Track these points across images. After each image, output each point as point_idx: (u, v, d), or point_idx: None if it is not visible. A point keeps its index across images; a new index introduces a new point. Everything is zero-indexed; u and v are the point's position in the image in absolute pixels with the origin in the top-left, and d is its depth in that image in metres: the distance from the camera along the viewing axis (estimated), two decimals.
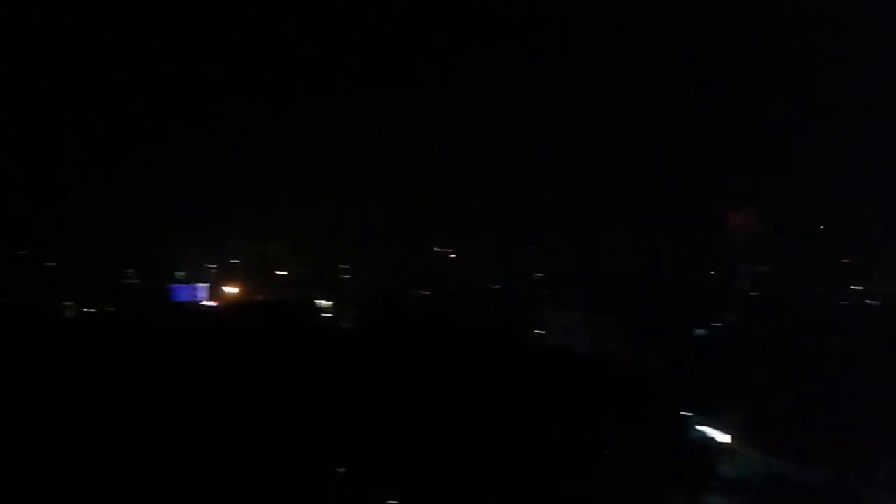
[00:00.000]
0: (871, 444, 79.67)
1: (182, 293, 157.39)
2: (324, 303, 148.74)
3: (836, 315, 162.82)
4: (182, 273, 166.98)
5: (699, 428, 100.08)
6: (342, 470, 64.98)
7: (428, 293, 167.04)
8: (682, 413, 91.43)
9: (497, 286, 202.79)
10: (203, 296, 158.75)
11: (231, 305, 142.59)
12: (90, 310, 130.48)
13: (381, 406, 63.78)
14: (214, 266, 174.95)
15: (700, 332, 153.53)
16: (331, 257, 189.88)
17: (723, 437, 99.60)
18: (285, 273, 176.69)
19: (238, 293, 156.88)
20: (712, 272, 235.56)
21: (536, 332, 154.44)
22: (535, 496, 60.87)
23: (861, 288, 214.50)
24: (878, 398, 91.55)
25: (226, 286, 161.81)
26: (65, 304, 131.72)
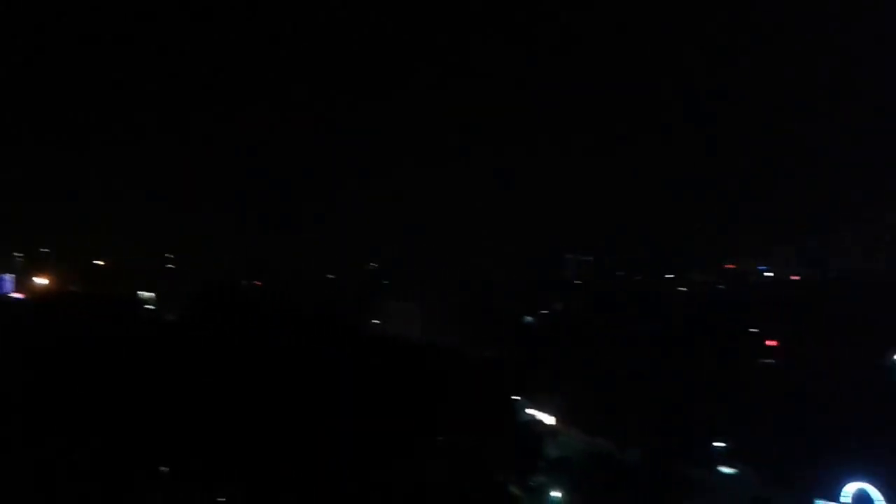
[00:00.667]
0: (684, 422, 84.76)
1: None
2: (147, 295, 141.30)
3: (653, 302, 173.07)
4: None
5: (527, 411, 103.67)
6: (166, 469, 62.02)
7: (260, 283, 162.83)
8: (511, 397, 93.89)
9: (332, 276, 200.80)
10: (8, 288, 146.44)
11: (41, 298, 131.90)
12: None
13: (206, 402, 61.32)
14: (22, 255, 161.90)
15: (528, 319, 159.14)
16: (156, 245, 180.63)
17: (548, 420, 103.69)
18: (103, 263, 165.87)
19: (49, 285, 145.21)
20: (541, 261, 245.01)
21: (372, 321, 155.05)
22: (368, 481, 60.53)
23: (673, 276, 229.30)
24: (689, 380, 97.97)
25: (35, 277, 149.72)
26: None
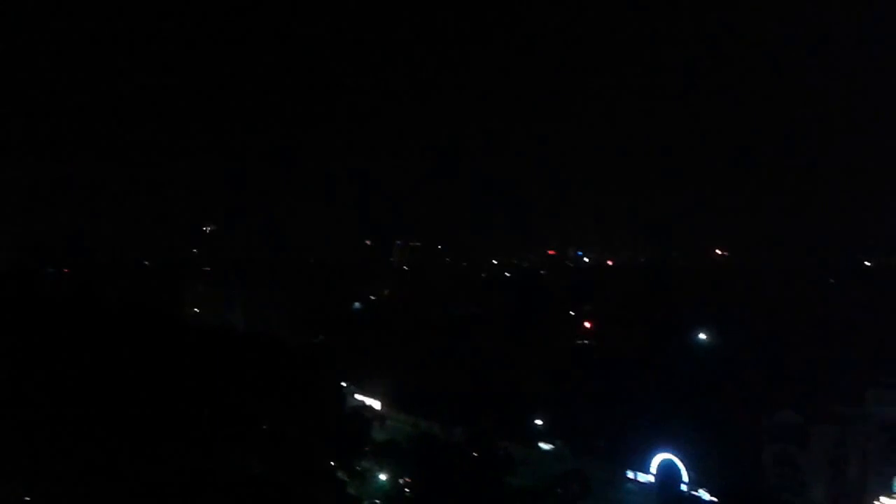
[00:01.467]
0: (506, 402, 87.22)
1: None
2: None
3: (478, 285, 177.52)
4: None
5: (355, 397, 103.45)
6: None
7: (68, 270, 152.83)
8: (338, 383, 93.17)
9: (147, 262, 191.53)
10: None
11: None
12: None
13: (5, 398, 56.44)
14: None
15: (356, 305, 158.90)
16: None
17: (376, 405, 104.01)
18: None
19: None
20: (369, 245, 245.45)
21: (193, 309, 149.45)
22: (190, 472, 57.98)
23: (496, 262, 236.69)
24: (511, 361, 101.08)
25: None
26: None
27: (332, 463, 69.34)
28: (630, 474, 74.74)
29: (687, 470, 70.82)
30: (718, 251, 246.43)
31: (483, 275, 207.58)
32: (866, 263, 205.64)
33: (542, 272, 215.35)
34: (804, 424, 66.70)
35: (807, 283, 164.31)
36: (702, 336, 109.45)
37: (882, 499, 63.32)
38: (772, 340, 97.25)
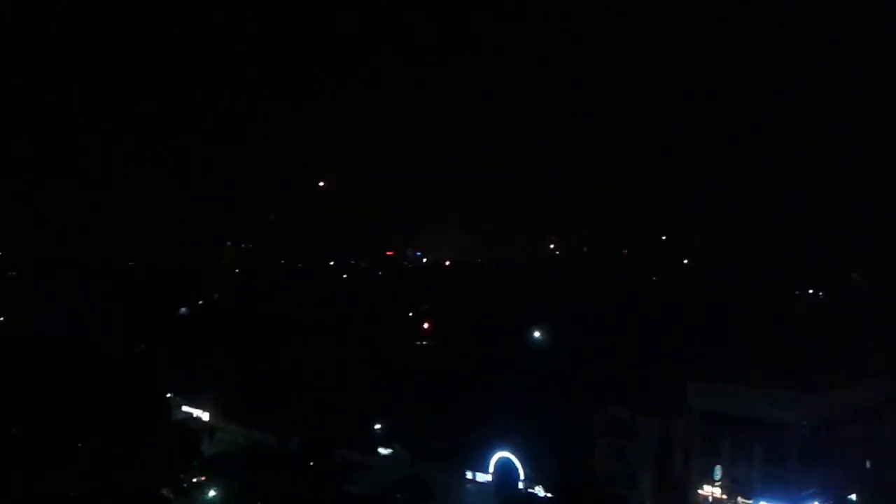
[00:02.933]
0: (344, 408, 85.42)
1: None
2: None
3: (313, 287, 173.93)
4: None
5: (182, 408, 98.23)
6: None
7: None
8: (162, 394, 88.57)
9: None
10: None
11: None
12: None
13: None
14: None
15: (182, 310, 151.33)
16: None
17: (203, 415, 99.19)
18: None
19: None
20: (198, 249, 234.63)
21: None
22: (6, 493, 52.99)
23: (333, 263, 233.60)
24: (349, 365, 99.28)
25: None
26: None
27: (157, 480, 65.57)
28: (469, 475, 75.07)
29: (523, 468, 71.88)
30: (552, 249, 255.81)
31: (319, 277, 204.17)
32: (685, 262, 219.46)
33: (379, 273, 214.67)
34: (632, 418, 69.25)
35: (632, 280, 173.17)
36: (536, 334, 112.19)
37: (705, 487, 66.78)
38: (601, 337, 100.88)
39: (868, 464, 69.15)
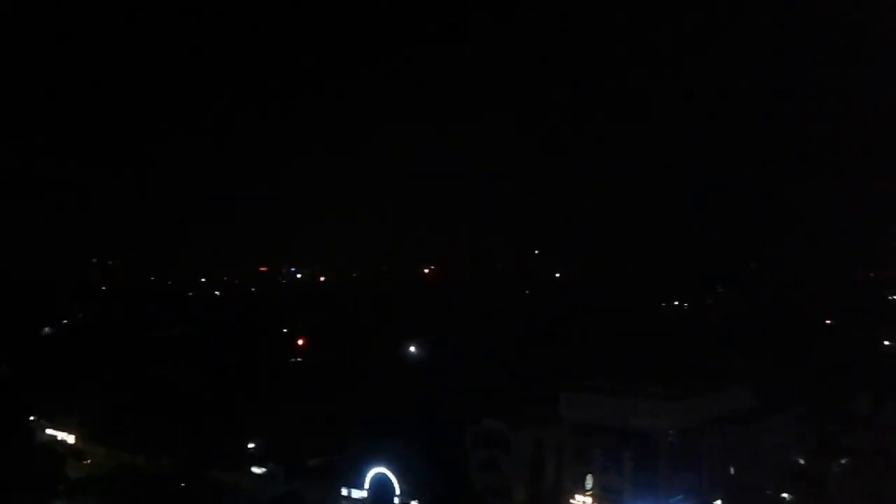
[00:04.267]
0: (216, 427, 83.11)
1: None
2: None
3: (184, 304, 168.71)
4: None
5: (46, 431, 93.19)
6: None
7: None
8: (25, 416, 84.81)
9: None
10: None
11: None
12: None
13: None
14: None
15: (46, 329, 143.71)
16: None
17: (69, 438, 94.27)
18: None
19: None
20: (63, 266, 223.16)
21: None
22: None
23: (204, 280, 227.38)
24: (221, 382, 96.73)
25: None
26: None
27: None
28: (344, 491, 74.15)
29: (399, 483, 71.58)
30: (427, 267, 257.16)
31: (190, 293, 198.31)
32: (556, 275, 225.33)
33: (253, 289, 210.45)
34: (506, 430, 70.12)
35: (506, 294, 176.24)
36: (412, 349, 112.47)
37: (577, 496, 68.24)
38: (476, 350, 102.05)
39: (732, 470, 72.50)
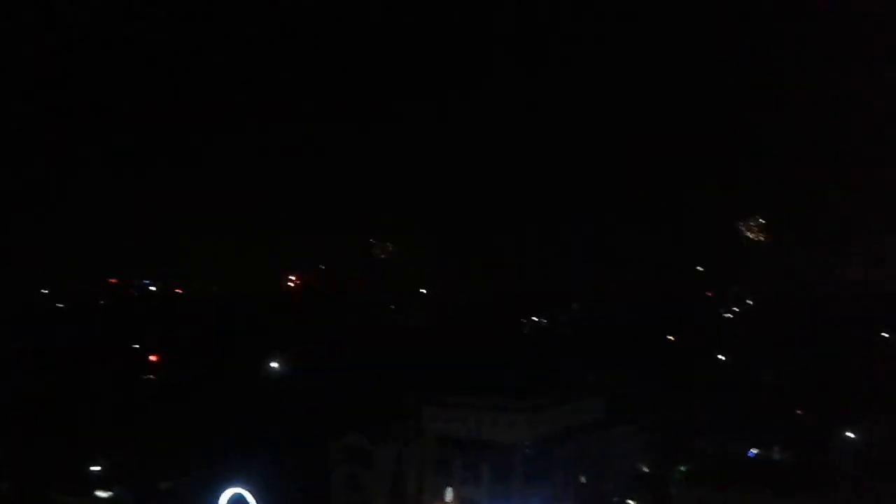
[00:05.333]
0: (57, 447, 78.58)
1: None
2: None
3: (21, 319, 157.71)
4: None
5: None
6: None
7: None
8: None
9: None
10: None
11: None
12: None
13: None
14: None
15: None
16: None
17: None
18: None
19: None
20: None
21: None
22: None
23: (46, 291, 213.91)
24: (66, 401, 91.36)
25: None
26: None
27: None
28: None
29: (257, 502, 69.82)
30: (292, 280, 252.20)
31: (29, 307, 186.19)
32: (422, 291, 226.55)
33: (101, 302, 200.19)
34: (369, 446, 69.92)
35: (367, 308, 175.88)
36: (272, 364, 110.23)
37: None
38: (336, 365, 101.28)
39: (583, 478, 75.21)
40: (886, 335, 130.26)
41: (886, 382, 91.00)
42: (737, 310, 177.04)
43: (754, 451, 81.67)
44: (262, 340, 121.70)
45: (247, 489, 69.51)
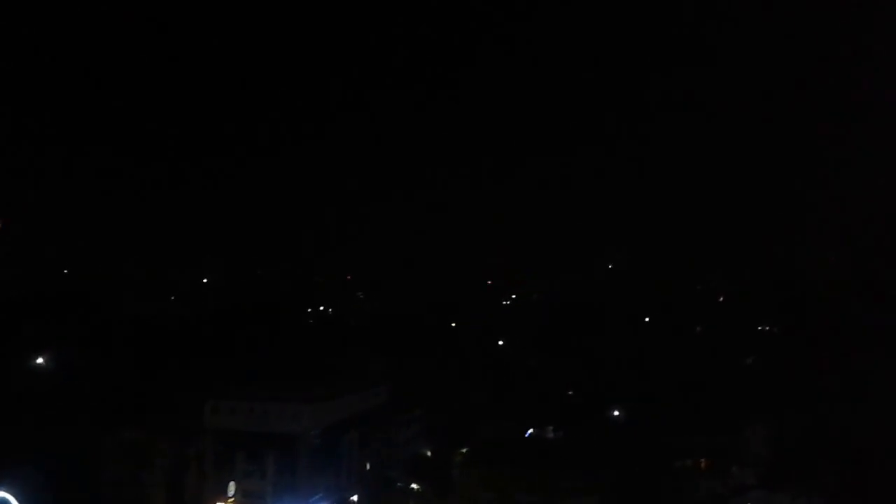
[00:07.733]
0: None
1: None
2: None
3: None
4: None
5: None
6: None
7: None
8: None
9: None
10: None
11: None
12: None
13: None
14: None
15: None
16: None
17: None
18: None
19: None
20: None
21: None
22: None
23: None
24: None
25: None
26: None
27: None
28: None
29: None
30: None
31: None
32: (204, 281, 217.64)
33: None
34: (147, 441, 67.26)
35: (144, 300, 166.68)
36: (38, 362, 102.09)
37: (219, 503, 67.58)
38: (108, 356, 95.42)
39: (368, 465, 76.73)
40: (648, 319, 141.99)
41: (650, 364, 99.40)
42: (515, 297, 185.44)
43: (530, 431, 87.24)
44: (22, 337, 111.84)
45: (10, 493, 64.78)
